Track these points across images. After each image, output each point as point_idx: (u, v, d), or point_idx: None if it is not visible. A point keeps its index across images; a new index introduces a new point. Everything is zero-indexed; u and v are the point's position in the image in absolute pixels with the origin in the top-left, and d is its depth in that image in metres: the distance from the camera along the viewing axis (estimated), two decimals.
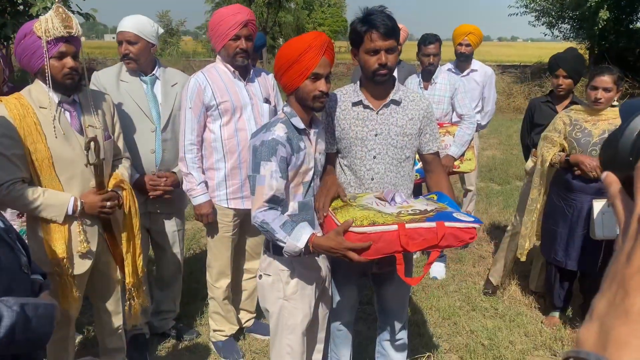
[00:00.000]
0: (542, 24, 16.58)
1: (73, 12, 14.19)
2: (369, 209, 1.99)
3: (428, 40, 3.94)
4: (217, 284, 3.03)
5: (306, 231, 1.92)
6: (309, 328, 2.22)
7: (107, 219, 2.39)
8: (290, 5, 27.87)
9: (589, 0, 12.24)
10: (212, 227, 2.92)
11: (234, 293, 3.20)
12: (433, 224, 1.93)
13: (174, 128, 2.91)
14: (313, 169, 2.10)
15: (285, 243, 1.92)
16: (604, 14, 12.23)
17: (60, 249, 2.24)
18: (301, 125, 2.04)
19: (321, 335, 2.41)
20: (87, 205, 2.27)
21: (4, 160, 2.09)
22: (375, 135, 2.21)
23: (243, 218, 2.96)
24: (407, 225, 1.89)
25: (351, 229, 1.85)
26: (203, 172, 2.82)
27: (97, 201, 2.28)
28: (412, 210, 2.01)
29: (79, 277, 2.33)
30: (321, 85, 1.97)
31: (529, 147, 3.76)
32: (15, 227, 2.69)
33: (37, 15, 12.41)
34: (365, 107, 2.22)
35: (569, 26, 16.55)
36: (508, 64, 20.73)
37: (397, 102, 2.22)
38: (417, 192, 4.90)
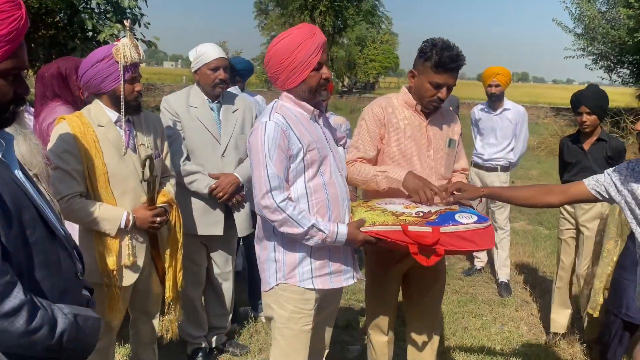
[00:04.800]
0: (600, 68, 16.24)
1: (137, 39, 14.95)
2: (374, 209, 2.17)
3: None
4: None
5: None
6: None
7: (154, 234, 2.49)
8: (343, 41, 28.41)
9: None
10: (287, 319, 2.21)
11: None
12: (429, 229, 2.00)
13: (235, 153, 3.05)
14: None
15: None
16: None
17: (111, 261, 2.33)
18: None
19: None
20: (138, 219, 2.37)
21: (65, 175, 2.23)
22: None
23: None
24: (410, 228, 2.02)
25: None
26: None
27: (148, 216, 2.38)
28: (416, 212, 2.09)
29: (124, 289, 2.41)
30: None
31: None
32: None
33: (105, 41, 13.18)
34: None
35: (628, 71, 16.14)
36: (562, 106, 20.33)
37: None
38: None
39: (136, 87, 2.34)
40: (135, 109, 2.38)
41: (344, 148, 2.62)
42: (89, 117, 2.33)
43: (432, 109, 2.44)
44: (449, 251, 2.06)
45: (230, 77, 3.55)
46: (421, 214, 2.07)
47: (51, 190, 2.23)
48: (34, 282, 1.25)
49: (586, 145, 3.51)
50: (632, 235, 3.16)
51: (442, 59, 2.27)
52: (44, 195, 1.44)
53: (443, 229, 1.99)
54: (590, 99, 3.40)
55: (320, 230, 2.03)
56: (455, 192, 2.29)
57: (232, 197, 3.01)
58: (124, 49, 2.24)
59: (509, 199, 2.39)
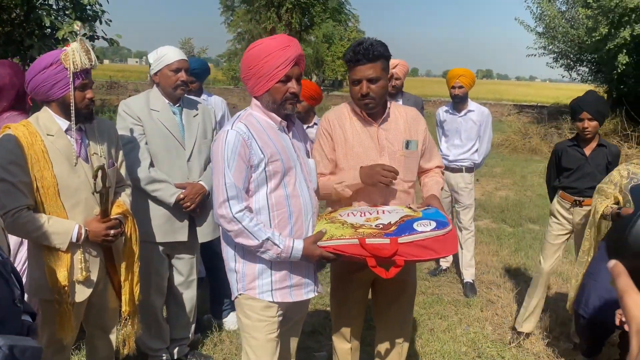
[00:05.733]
0: (560, 66, 16.62)
1: (98, 37, 14.60)
2: (334, 222, 2.14)
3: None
4: None
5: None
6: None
7: (108, 247, 2.38)
8: (310, 39, 28.31)
9: (608, 44, 12.25)
10: (252, 328, 2.20)
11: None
12: (387, 240, 1.99)
13: (199, 157, 3.00)
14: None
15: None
16: (622, 58, 12.22)
17: (62, 276, 2.22)
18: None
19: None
20: (91, 233, 2.26)
21: (11, 188, 2.11)
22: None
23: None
24: (367, 241, 2.00)
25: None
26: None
27: (101, 229, 2.28)
28: (376, 224, 2.07)
29: (77, 305, 2.31)
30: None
31: (555, 188, 3.72)
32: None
33: (64, 38, 12.77)
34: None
35: (587, 69, 16.56)
36: (525, 103, 20.75)
37: None
38: None
39: (87, 94, 2.23)
40: (87, 117, 2.27)
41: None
42: (37, 126, 2.21)
43: (366, 108, 2.34)
44: (410, 261, 2.03)
45: None
46: (381, 225, 2.04)
47: None
48: None
49: (587, 151, 3.51)
50: (606, 238, 3.20)
51: (349, 54, 2.28)
52: None
53: (401, 240, 1.96)
54: (591, 105, 3.40)
55: (275, 244, 2.02)
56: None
57: (198, 207, 2.96)
58: (74, 54, 2.13)
59: None
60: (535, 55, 16.52)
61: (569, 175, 3.54)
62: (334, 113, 2.46)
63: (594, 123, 3.42)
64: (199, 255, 3.27)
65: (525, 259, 5.41)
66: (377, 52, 2.23)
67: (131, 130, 2.84)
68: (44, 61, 2.16)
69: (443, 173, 2.67)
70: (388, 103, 2.42)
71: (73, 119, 2.21)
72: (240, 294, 2.15)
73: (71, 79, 2.15)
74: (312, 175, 2.26)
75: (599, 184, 3.24)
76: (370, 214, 2.16)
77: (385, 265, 2.00)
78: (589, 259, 3.27)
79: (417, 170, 2.51)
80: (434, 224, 2.01)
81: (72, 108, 2.19)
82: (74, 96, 2.18)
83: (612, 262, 0.55)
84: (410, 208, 2.24)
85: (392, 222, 2.05)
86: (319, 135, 2.44)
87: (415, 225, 2.00)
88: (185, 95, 3.06)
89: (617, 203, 3.11)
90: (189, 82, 3.78)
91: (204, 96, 3.95)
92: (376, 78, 2.27)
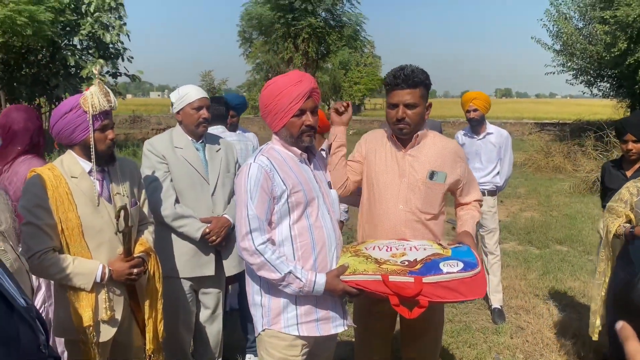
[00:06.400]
0: (581, 82, 16.47)
1: (121, 74, 14.98)
2: (359, 255, 2.11)
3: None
4: None
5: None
6: None
7: (132, 285, 2.40)
8: (327, 66, 28.61)
9: (628, 59, 12.12)
10: None
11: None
12: (411, 279, 1.94)
13: (223, 191, 3.04)
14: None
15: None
16: None
17: (87, 316, 2.24)
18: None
19: None
20: (115, 272, 2.29)
21: (36, 230, 2.15)
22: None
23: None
24: (391, 278, 1.95)
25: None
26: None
27: (125, 268, 2.30)
28: (401, 260, 2.02)
29: (102, 344, 2.32)
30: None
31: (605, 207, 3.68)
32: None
33: (88, 77, 13.14)
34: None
35: (608, 84, 16.39)
36: (547, 121, 20.55)
37: None
38: None
39: (108, 135, 2.29)
40: (108, 159, 2.32)
41: None
42: (61, 169, 2.27)
43: (399, 132, 2.37)
44: (435, 302, 1.97)
45: (225, 115, 3.70)
46: (407, 262, 1.99)
47: (23, 247, 2.16)
48: None
49: (629, 173, 3.45)
50: (620, 259, 3.11)
51: (389, 77, 2.34)
52: (1, 262, 1.36)
53: (426, 279, 1.90)
54: (636, 126, 3.35)
55: (297, 278, 2.01)
56: None
57: (224, 240, 2.98)
58: (92, 97, 2.19)
59: None
60: (554, 73, 16.42)
61: (611, 194, 3.45)
62: (371, 134, 2.56)
63: (639, 145, 3.35)
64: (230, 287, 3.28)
65: (554, 282, 5.28)
66: (417, 79, 2.28)
67: (156, 169, 2.90)
68: (64, 107, 2.23)
69: (481, 206, 2.63)
70: (421, 131, 2.42)
71: (94, 160, 2.26)
72: (264, 330, 2.13)
73: (90, 122, 2.21)
74: (335, 206, 2.25)
75: (609, 203, 3.17)
76: (397, 249, 2.11)
77: (409, 304, 1.96)
78: (607, 280, 3.17)
79: (439, 203, 2.44)
80: (461, 265, 1.95)
81: (92, 150, 2.24)
82: (93, 138, 2.23)
83: (620, 324, 0.53)
84: (440, 245, 2.19)
85: (417, 260, 1.99)
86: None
87: (441, 265, 1.94)
88: (208, 131, 3.12)
89: (630, 221, 3.02)
90: (231, 116, 3.96)
91: (239, 131, 4.04)
92: (413, 104, 2.31)
